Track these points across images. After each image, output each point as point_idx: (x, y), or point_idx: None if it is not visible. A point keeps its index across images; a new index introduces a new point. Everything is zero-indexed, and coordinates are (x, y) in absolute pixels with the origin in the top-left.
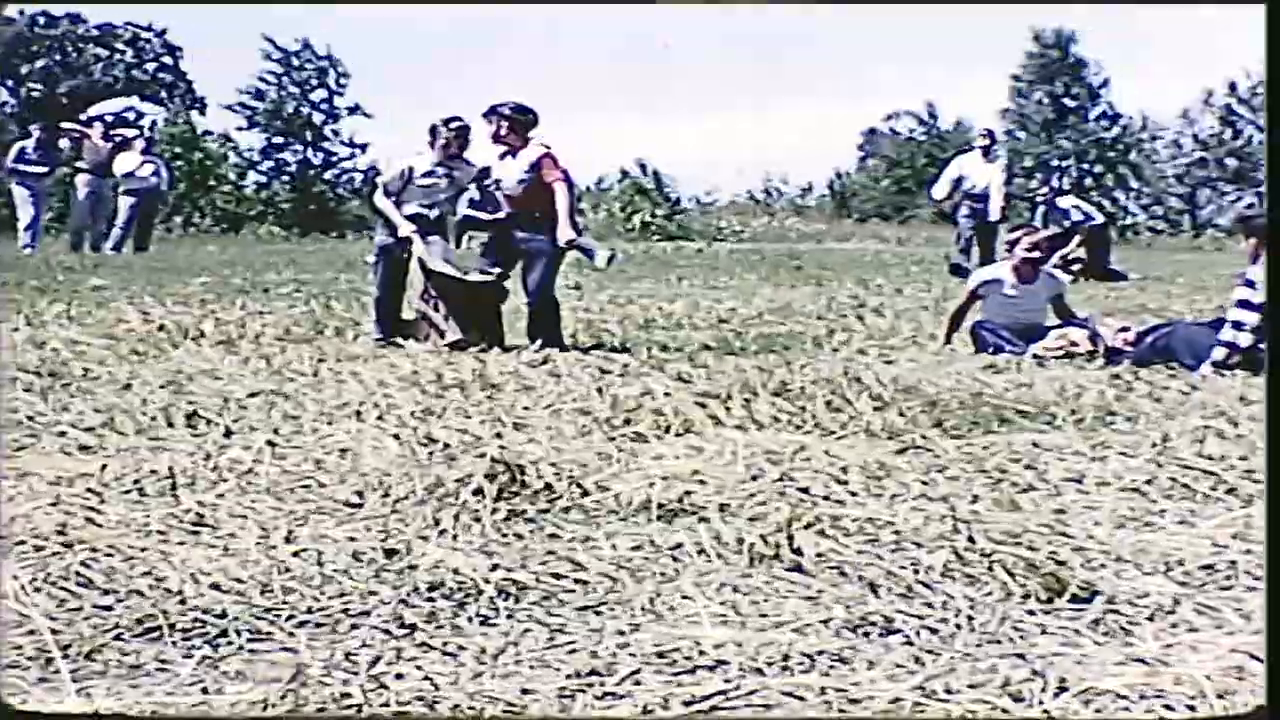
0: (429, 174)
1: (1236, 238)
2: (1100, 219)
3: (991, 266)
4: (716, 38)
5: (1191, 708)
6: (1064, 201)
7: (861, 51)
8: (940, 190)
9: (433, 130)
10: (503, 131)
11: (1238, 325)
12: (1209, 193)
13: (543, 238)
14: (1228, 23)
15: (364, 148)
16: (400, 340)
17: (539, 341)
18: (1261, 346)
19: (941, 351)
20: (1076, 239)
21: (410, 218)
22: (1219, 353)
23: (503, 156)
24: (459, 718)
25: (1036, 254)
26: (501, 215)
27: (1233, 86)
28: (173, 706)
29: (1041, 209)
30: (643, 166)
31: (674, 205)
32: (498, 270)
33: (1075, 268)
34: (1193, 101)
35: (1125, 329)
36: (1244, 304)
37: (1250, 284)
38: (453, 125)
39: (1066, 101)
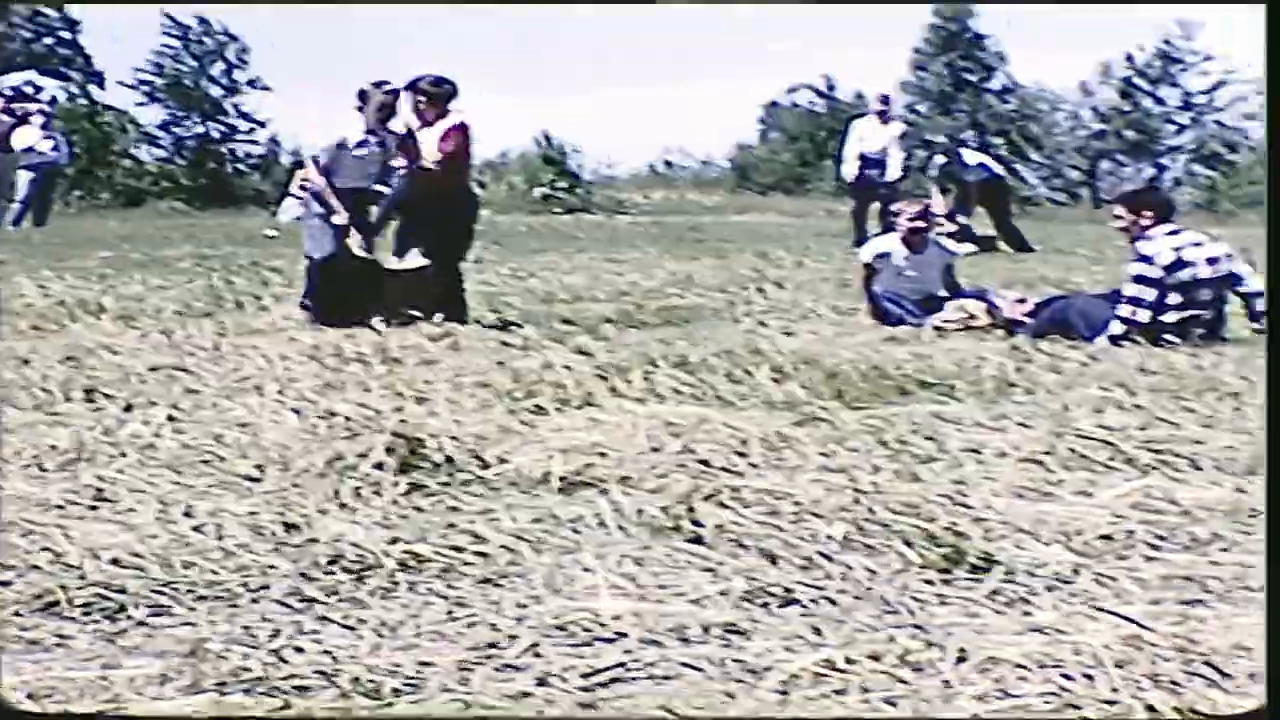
0: (362, 144)
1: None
2: (1001, 172)
3: (882, 238)
4: (620, 12)
5: (1089, 677)
6: (970, 156)
7: (763, 24)
8: (849, 169)
9: (362, 95)
10: (422, 106)
11: (1136, 301)
12: (1109, 164)
13: (459, 208)
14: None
15: (264, 123)
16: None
17: (440, 315)
18: (1164, 319)
19: (842, 323)
20: (975, 194)
21: (346, 193)
22: (1116, 327)
23: (421, 129)
24: (461, 717)
25: (921, 224)
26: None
27: (1130, 59)
28: (73, 681)
29: (943, 160)
30: (546, 139)
31: (575, 178)
32: (426, 262)
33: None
34: (1091, 74)
35: (1022, 300)
36: (1141, 279)
37: (1147, 259)
38: (385, 89)
39: (965, 74)
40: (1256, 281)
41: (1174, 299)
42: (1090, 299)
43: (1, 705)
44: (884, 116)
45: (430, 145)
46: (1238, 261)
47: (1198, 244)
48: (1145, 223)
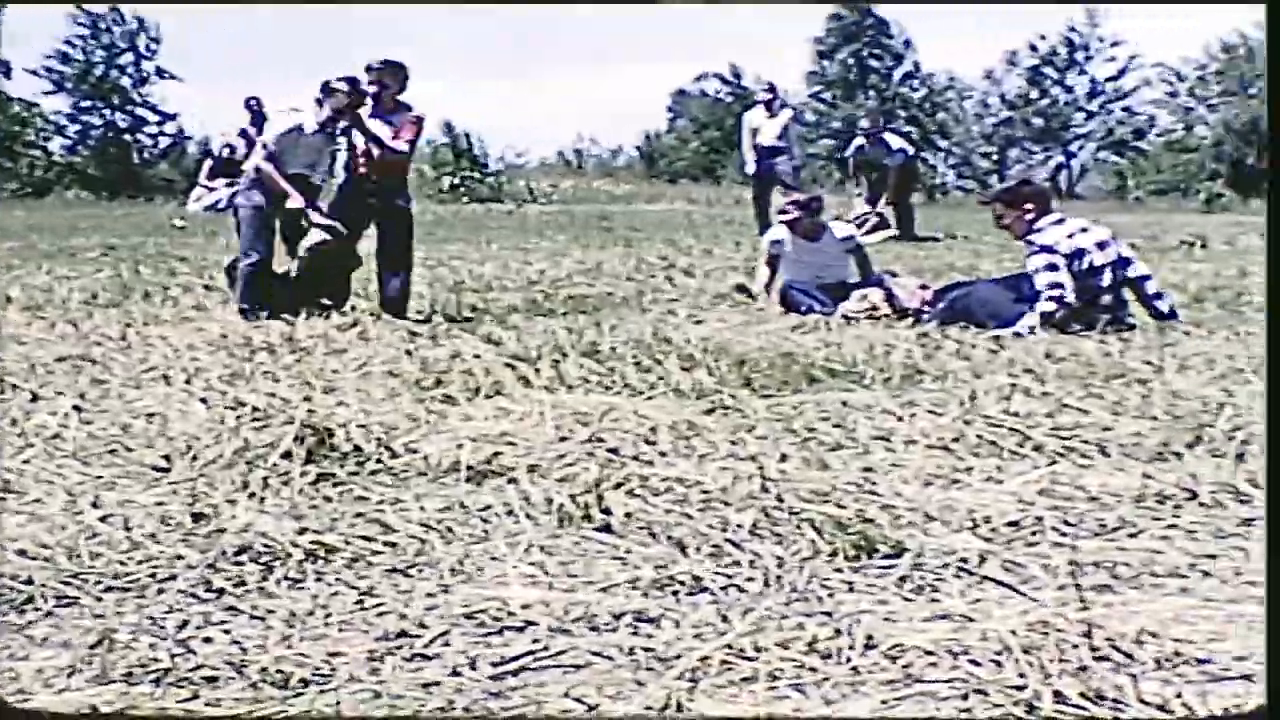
0: (316, 133)
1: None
2: (911, 151)
3: (777, 228)
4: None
5: (997, 663)
6: (894, 140)
7: (671, 13)
8: (748, 162)
9: (325, 88)
10: (381, 92)
11: (1055, 287)
12: (1017, 152)
13: (402, 201)
14: None
15: (174, 115)
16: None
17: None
18: (1071, 301)
19: (750, 311)
20: (892, 177)
21: (291, 178)
22: (1031, 319)
23: (373, 116)
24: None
25: (799, 214)
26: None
27: (1033, 48)
28: None
29: (862, 141)
30: (449, 128)
31: (485, 167)
32: (338, 228)
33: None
34: (998, 62)
35: (924, 287)
36: (1052, 268)
37: (1048, 249)
38: (351, 86)
39: (871, 63)
40: (1142, 266)
41: (1078, 287)
42: (990, 286)
43: (1, 705)
44: (770, 106)
45: (388, 133)
46: (1123, 245)
47: (1085, 230)
48: (1030, 215)
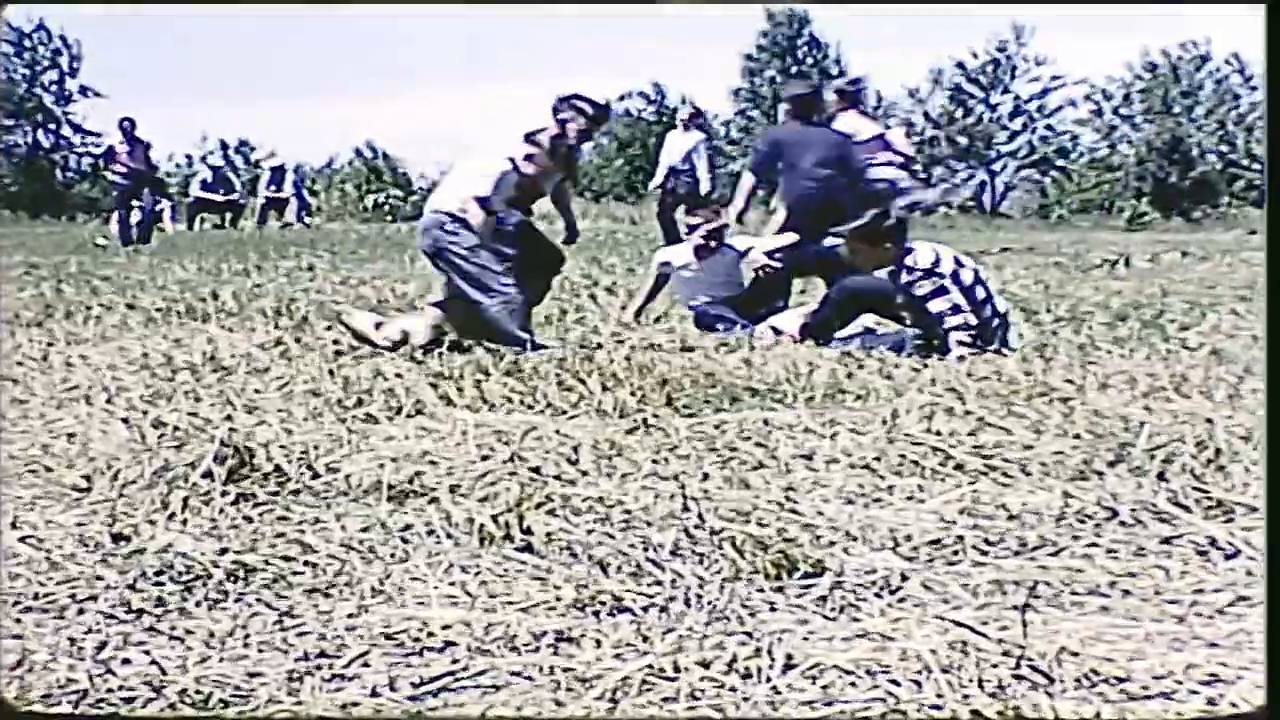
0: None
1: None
2: None
3: (670, 248)
4: (454, 15)
5: (916, 683)
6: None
7: (597, 30)
8: (655, 179)
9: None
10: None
11: (957, 310)
12: (941, 170)
13: None
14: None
15: (97, 134)
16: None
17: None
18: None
19: (673, 330)
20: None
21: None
22: (956, 354)
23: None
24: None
25: (703, 241)
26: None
27: (961, 65)
28: None
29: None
30: (371, 148)
31: (406, 185)
32: None
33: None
34: (922, 80)
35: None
36: (942, 290)
37: (932, 273)
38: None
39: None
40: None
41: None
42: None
43: (1, 705)
44: (687, 127)
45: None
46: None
47: (953, 256)
48: (891, 248)
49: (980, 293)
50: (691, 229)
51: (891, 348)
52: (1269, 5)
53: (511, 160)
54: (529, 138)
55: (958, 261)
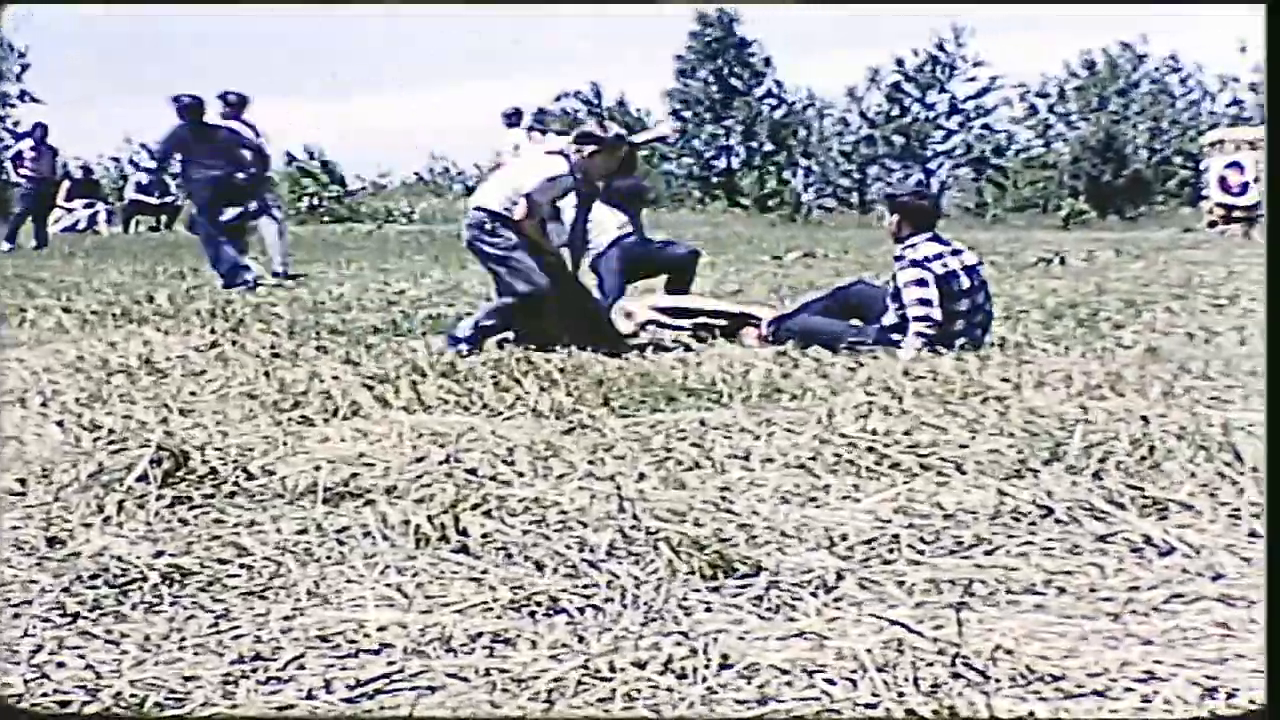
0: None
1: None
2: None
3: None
4: (393, 17)
5: (851, 681)
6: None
7: (534, 30)
8: None
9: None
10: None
11: (923, 316)
12: (877, 170)
13: None
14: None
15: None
16: None
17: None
18: (938, 318)
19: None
20: None
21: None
22: (911, 345)
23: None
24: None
25: None
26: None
27: (899, 63)
28: None
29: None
30: (309, 151)
31: (344, 187)
32: None
33: None
34: (859, 79)
35: (755, 322)
36: (921, 283)
37: (920, 264)
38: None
39: (731, 81)
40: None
41: (947, 308)
42: (818, 317)
43: (2, 705)
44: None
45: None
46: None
47: (957, 252)
48: (908, 230)
49: (965, 304)
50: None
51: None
52: (1269, 5)
53: (569, 158)
54: (584, 138)
55: (969, 270)
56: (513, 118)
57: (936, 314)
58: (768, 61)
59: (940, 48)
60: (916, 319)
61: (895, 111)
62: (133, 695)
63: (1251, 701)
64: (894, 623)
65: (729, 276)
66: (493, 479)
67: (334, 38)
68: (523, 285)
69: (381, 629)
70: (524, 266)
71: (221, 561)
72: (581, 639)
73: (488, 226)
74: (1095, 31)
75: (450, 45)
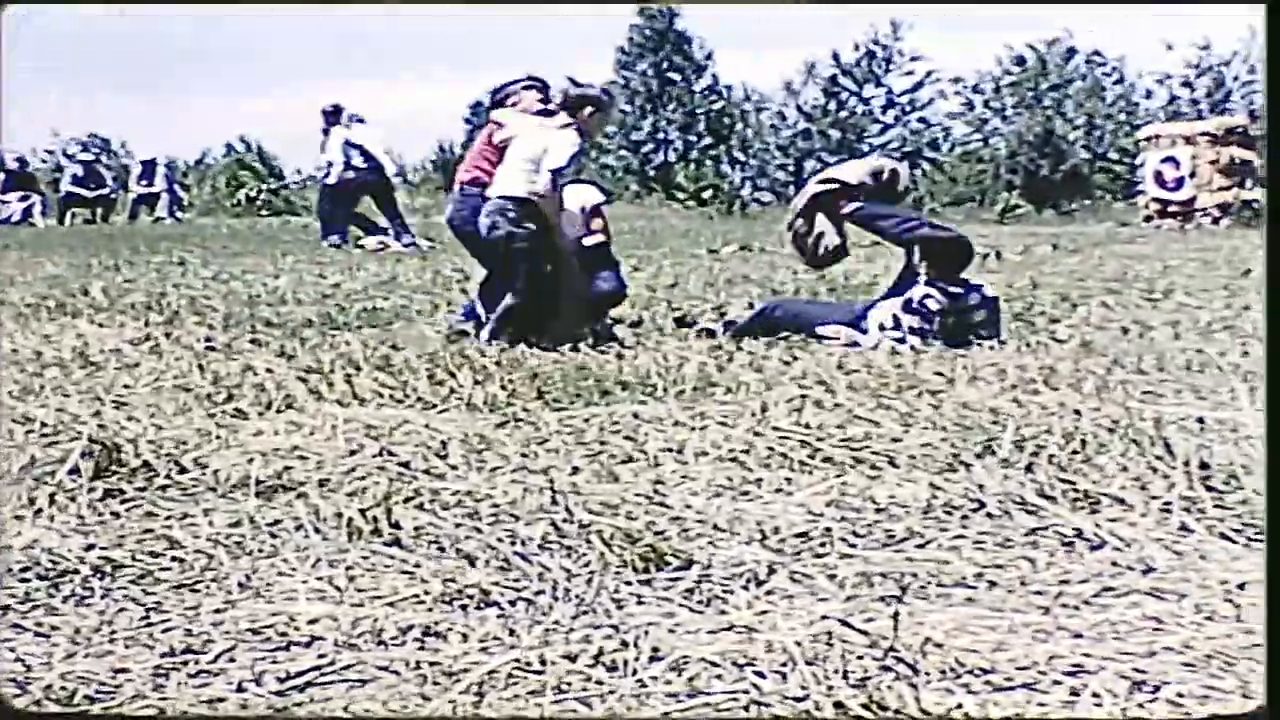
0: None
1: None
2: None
3: None
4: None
5: (781, 674)
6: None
7: (472, 24)
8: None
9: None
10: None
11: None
12: (814, 164)
13: None
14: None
15: None
16: None
17: None
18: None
19: None
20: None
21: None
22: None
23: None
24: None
25: None
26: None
27: (836, 57)
28: None
29: None
30: (246, 143)
31: (280, 180)
32: None
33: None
34: (796, 73)
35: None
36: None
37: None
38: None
39: (671, 75)
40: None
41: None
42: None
43: (2, 705)
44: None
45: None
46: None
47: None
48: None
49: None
50: None
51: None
52: (1269, 5)
53: (580, 129)
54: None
55: None
56: (332, 116)
57: (916, 320)
58: (709, 56)
59: (876, 42)
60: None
61: (832, 106)
62: (63, 688)
63: (1248, 697)
64: (824, 616)
65: (664, 270)
66: (426, 472)
67: (274, 33)
68: (540, 273)
69: (313, 622)
70: (542, 254)
71: (153, 555)
72: (513, 632)
73: (511, 215)
74: (1028, 29)
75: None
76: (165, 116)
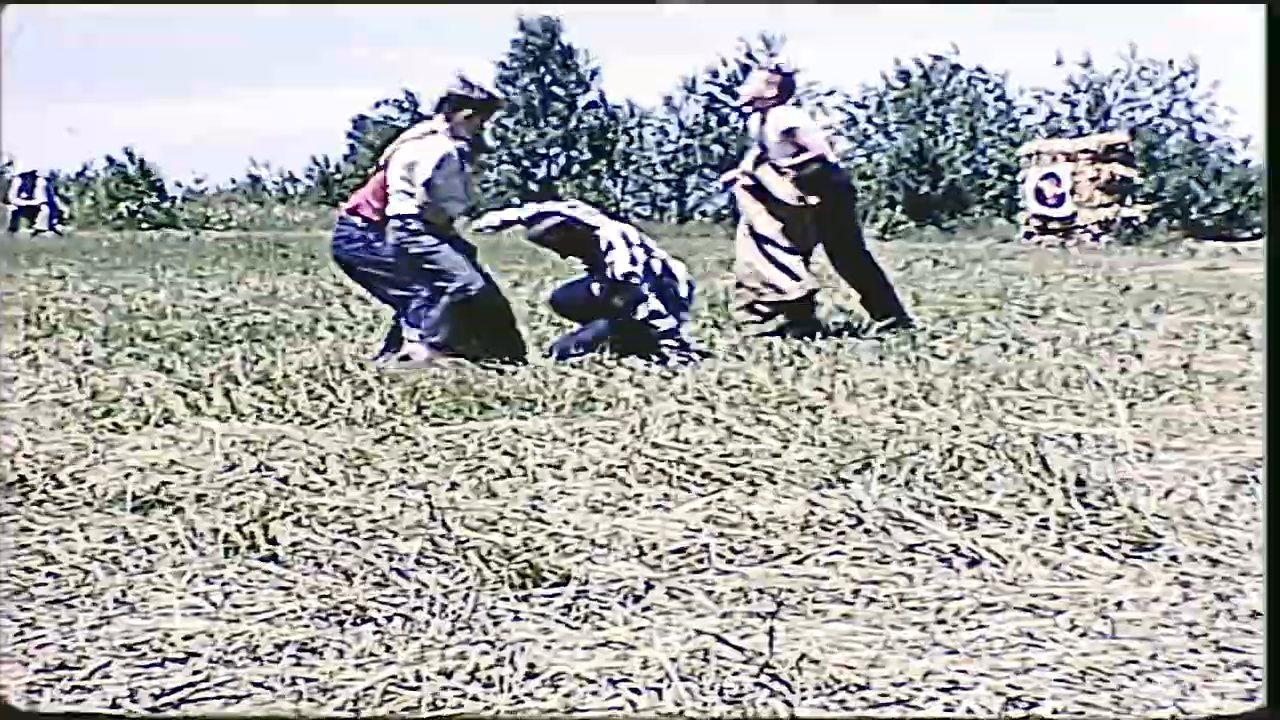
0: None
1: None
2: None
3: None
4: (218, 19)
5: (657, 690)
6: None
7: (353, 35)
8: None
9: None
10: None
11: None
12: (695, 179)
13: None
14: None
15: None
16: None
17: None
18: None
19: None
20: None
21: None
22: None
23: None
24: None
25: None
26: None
27: (714, 74)
28: None
29: None
30: (129, 154)
31: (161, 193)
32: None
33: None
34: (676, 89)
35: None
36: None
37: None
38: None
39: (554, 89)
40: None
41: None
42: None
43: (1, 705)
44: None
45: None
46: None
47: (642, 245)
48: None
49: (664, 274)
50: None
51: (588, 343)
52: (1269, 5)
53: (453, 133)
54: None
55: (646, 250)
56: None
57: (673, 321)
58: (594, 74)
59: (749, 56)
60: (661, 334)
61: (714, 121)
62: None
63: (1252, 694)
64: (701, 632)
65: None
66: (304, 487)
67: (144, 39)
68: (458, 281)
69: (188, 638)
70: (450, 263)
71: (28, 570)
72: (389, 648)
73: (412, 227)
74: (912, 42)
75: (265, 49)
76: (45, 126)
